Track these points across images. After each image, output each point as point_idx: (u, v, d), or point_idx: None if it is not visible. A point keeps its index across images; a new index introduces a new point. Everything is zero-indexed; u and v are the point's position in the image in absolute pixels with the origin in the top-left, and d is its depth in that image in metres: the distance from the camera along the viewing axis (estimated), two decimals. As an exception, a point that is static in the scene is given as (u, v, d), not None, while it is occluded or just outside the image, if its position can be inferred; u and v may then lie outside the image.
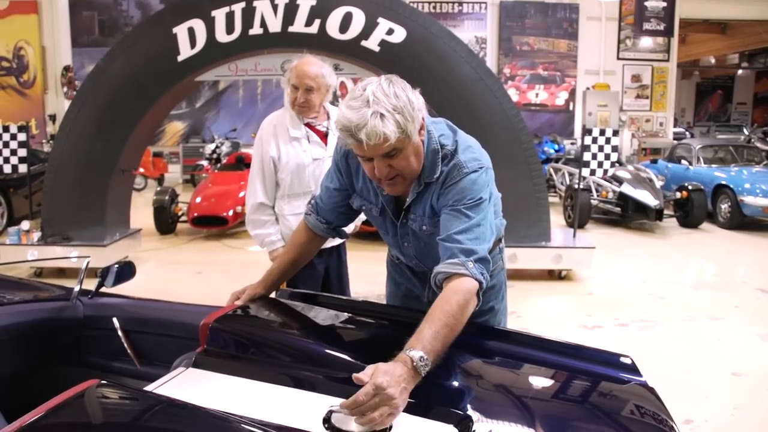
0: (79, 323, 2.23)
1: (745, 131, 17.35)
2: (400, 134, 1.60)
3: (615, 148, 6.48)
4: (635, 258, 7.32)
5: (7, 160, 6.56)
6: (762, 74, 21.89)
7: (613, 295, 5.73)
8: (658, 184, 8.94)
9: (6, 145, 6.51)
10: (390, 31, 5.59)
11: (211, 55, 5.80)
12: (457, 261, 1.63)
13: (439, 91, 5.37)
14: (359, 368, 1.57)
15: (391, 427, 1.31)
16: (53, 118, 13.41)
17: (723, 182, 9.00)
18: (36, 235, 6.25)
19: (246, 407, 1.38)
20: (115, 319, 2.21)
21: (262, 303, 1.98)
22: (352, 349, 1.73)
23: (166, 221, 8.36)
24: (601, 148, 6.40)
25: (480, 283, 1.64)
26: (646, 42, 13.91)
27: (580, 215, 7.87)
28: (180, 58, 5.76)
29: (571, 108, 14.52)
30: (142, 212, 8.44)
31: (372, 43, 5.62)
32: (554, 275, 6.20)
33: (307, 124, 2.91)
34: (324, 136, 2.94)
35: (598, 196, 9.14)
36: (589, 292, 5.81)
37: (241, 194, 8.24)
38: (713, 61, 20.08)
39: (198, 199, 8.27)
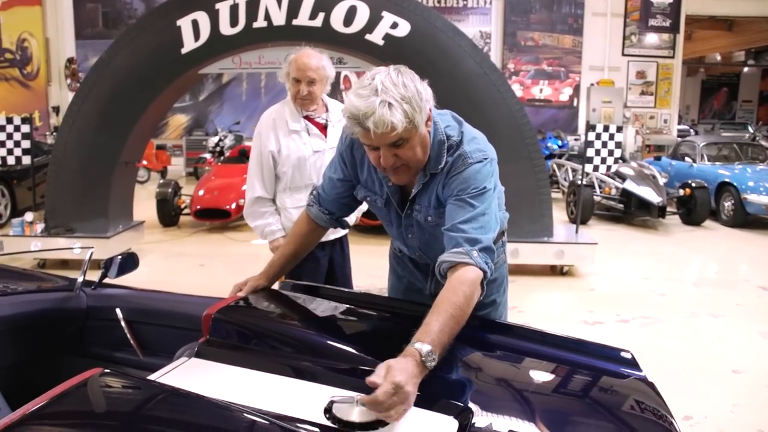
0: (83, 314, 2.25)
1: (750, 129, 17.30)
2: (407, 124, 1.61)
3: (618, 145, 6.47)
4: (637, 255, 7.31)
5: (11, 152, 6.58)
6: None
7: (614, 291, 5.73)
8: (662, 181, 8.93)
9: (10, 136, 6.53)
10: (394, 25, 5.59)
11: (214, 47, 5.80)
12: (462, 250, 1.64)
13: (443, 85, 5.36)
14: (360, 360, 1.58)
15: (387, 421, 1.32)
16: (57, 110, 13.43)
17: (726, 180, 8.98)
18: (39, 227, 6.28)
19: (248, 397, 1.38)
20: (118, 310, 2.22)
21: (264, 294, 1.99)
22: (353, 340, 1.74)
23: (169, 214, 8.38)
24: (604, 145, 6.39)
25: (484, 272, 1.65)
26: (651, 38, 13.86)
27: (582, 211, 7.87)
28: (184, 51, 5.77)
29: (575, 104, 14.50)
30: (144, 204, 8.46)
31: (376, 37, 5.61)
32: (556, 271, 6.20)
33: (307, 117, 2.91)
34: (323, 128, 2.94)
35: (601, 192, 9.14)
36: (590, 288, 5.81)
37: (244, 187, 8.25)
38: (719, 58, 20.00)
39: (201, 192, 8.28)
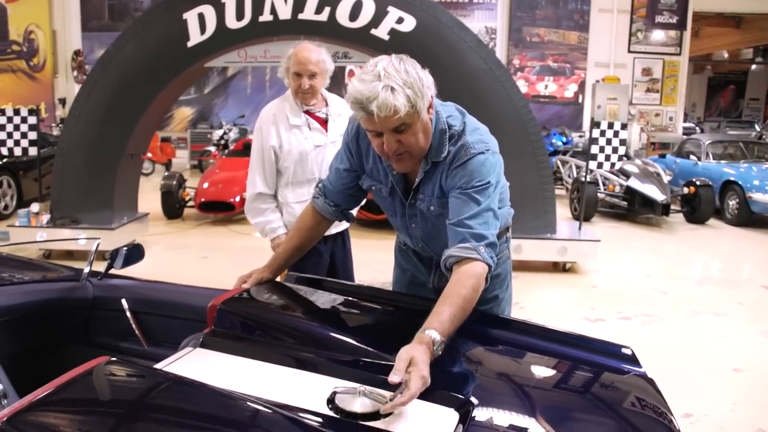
0: (89, 304, 2.27)
1: (757, 127, 17.24)
2: (409, 108, 1.64)
3: (623, 142, 6.46)
4: (640, 252, 7.32)
5: (17, 143, 6.63)
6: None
7: (617, 288, 5.74)
8: (666, 178, 8.92)
9: (17, 128, 6.57)
10: (400, 20, 5.59)
11: (220, 41, 5.81)
12: (469, 245, 1.69)
13: (448, 80, 5.36)
14: (363, 352, 1.60)
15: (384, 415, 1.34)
16: (63, 101, 13.47)
17: (731, 178, 8.96)
18: (45, 218, 6.32)
19: (251, 387, 1.40)
20: (123, 301, 2.25)
21: (268, 286, 2.01)
22: (356, 333, 1.76)
23: (173, 206, 8.42)
24: (609, 142, 6.39)
25: (489, 266, 1.70)
26: (657, 35, 13.81)
27: (586, 208, 7.87)
28: (190, 44, 5.78)
29: (580, 100, 14.46)
30: (149, 197, 8.49)
31: (382, 32, 5.62)
32: (559, 267, 6.21)
33: (307, 112, 2.92)
34: (324, 123, 2.95)
35: (605, 189, 9.13)
36: (593, 285, 5.82)
37: (247, 179, 8.27)
38: (726, 55, 19.91)
39: (206, 185, 8.31)
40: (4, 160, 8.16)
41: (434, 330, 1.50)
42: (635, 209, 8.79)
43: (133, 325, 2.24)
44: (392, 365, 1.48)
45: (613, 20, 13.85)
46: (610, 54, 14.02)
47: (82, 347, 2.27)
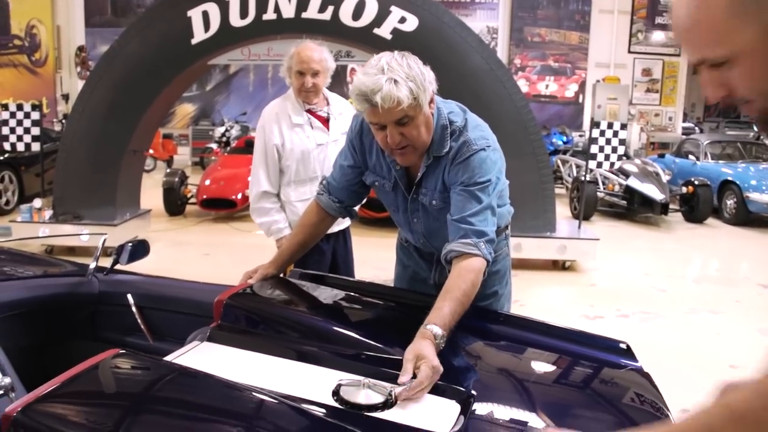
0: (95, 299, 2.30)
1: (755, 128, 17.28)
2: (412, 101, 1.70)
3: (622, 142, 6.51)
4: (639, 251, 7.37)
5: (20, 138, 6.66)
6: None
7: (615, 286, 5.79)
8: (665, 178, 8.96)
9: (20, 123, 6.61)
10: (402, 20, 5.63)
11: (224, 38, 5.86)
12: (471, 241, 1.75)
13: (450, 80, 5.40)
14: (365, 345, 1.64)
15: (396, 401, 1.38)
16: (66, 97, 13.50)
17: (729, 178, 9.02)
18: (47, 213, 6.35)
19: (258, 379, 1.44)
20: (129, 296, 2.28)
21: (274, 282, 2.05)
22: (358, 327, 1.80)
23: (175, 203, 8.46)
24: (608, 141, 6.43)
25: (488, 261, 1.77)
26: (658, 36, 13.85)
27: (585, 207, 7.91)
28: (194, 41, 5.83)
29: (580, 100, 14.50)
30: (150, 193, 8.53)
31: (384, 31, 5.66)
32: (558, 266, 6.26)
33: (309, 110, 2.95)
34: (325, 121, 2.98)
35: (604, 188, 9.18)
36: (592, 283, 5.87)
37: (250, 178, 8.31)
38: (726, 56, 19.97)
39: (207, 182, 8.36)
40: (6, 155, 8.19)
41: (436, 325, 1.56)
42: (634, 208, 8.84)
43: (139, 320, 2.26)
44: (394, 359, 1.54)
45: (613, 21, 13.89)
46: (611, 54, 14.06)
47: (87, 342, 2.29)
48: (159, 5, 6.27)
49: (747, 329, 4.69)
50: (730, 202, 8.97)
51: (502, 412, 1.44)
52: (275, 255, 2.13)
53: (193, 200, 8.56)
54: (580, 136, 12.58)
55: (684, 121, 15.63)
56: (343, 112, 3.00)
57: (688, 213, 9.02)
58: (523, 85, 13.82)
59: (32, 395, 1.24)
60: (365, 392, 1.38)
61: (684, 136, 12.29)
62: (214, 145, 12.50)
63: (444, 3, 13.19)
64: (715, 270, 7.00)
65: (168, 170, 9.23)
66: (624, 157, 8.44)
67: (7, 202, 8.41)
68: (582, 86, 14.46)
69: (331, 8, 5.65)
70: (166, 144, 13.52)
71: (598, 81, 13.87)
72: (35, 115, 6.65)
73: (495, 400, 1.47)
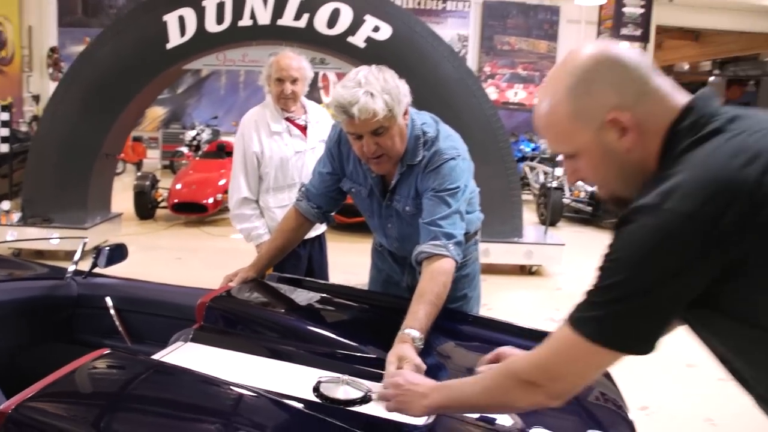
0: (73, 301, 2.33)
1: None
2: (387, 113, 1.81)
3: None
4: (603, 257, 7.54)
5: (-11, 139, 6.59)
6: (732, 82, 22.37)
7: (580, 290, 5.74)
8: (629, 186, 9.17)
9: (-11, 124, 6.54)
10: (376, 29, 5.74)
11: (200, 44, 5.88)
12: (440, 243, 1.86)
13: (421, 89, 5.41)
14: (341, 345, 1.74)
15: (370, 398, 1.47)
16: (37, 98, 13.28)
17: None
18: (16, 216, 6.28)
19: (242, 377, 1.52)
20: (108, 299, 2.33)
21: (253, 285, 2.13)
22: (335, 327, 1.89)
23: (146, 206, 8.42)
24: (575, 150, 6.59)
25: (457, 262, 1.88)
26: (623, 46, 14.16)
27: (552, 213, 8.10)
28: (169, 46, 5.84)
29: (548, 108, 14.74)
30: (119, 197, 8.45)
31: (358, 40, 5.76)
32: (525, 270, 6.41)
33: (287, 119, 3.03)
34: (303, 129, 3.06)
35: (570, 195, 9.38)
36: (557, 287, 6.03)
37: (222, 182, 8.34)
38: (687, 67, 20.50)
39: (179, 186, 8.33)
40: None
41: (413, 329, 1.67)
42: (600, 214, 9.03)
43: (117, 323, 2.31)
44: (368, 357, 1.64)
45: (581, 31, 14.17)
46: (578, 63, 14.33)
47: (65, 344, 2.32)
48: (135, 9, 6.28)
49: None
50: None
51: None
52: (255, 259, 2.21)
53: (164, 204, 8.53)
54: (548, 143, 12.79)
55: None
56: (320, 120, 3.09)
57: (651, 220, 9.24)
58: (493, 93, 14.02)
59: (26, 393, 1.29)
60: (344, 388, 1.48)
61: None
62: (185, 149, 12.44)
63: (416, 11, 13.37)
64: (675, 275, 7.21)
65: (139, 174, 9.19)
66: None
67: (-27, 205, 8.27)
68: (550, 94, 14.70)
69: (306, 16, 5.73)
70: (135, 147, 13.40)
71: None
72: (5, 116, 6.60)
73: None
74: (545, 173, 10.27)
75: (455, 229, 1.90)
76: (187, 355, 1.69)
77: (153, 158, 14.20)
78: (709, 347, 1.14)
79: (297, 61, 2.93)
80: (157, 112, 14.95)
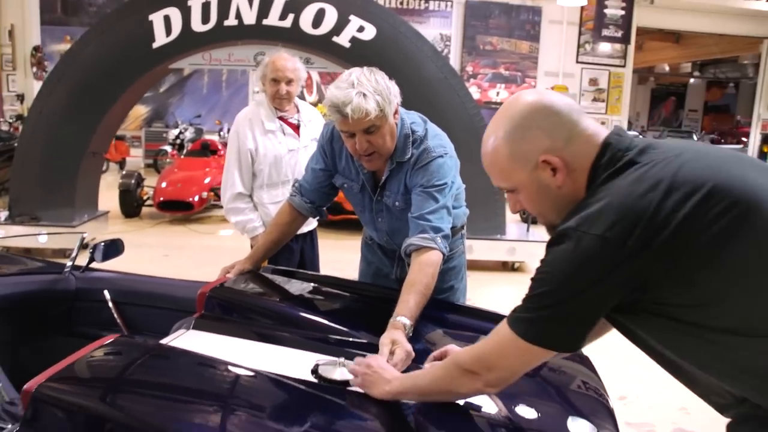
0: (71, 295, 2.40)
1: (695, 137, 18.08)
2: (378, 112, 1.91)
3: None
4: (584, 253, 7.70)
5: (-26, 139, 6.59)
6: (712, 84, 22.77)
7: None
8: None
9: (-26, 123, 6.54)
10: (361, 29, 5.83)
11: (185, 43, 5.94)
12: (428, 236, 1.96)
13: (405, 88, 5.52)
14: (334, 330, 1.85)
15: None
16: (21, 97, 13.20)
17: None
18: (3, 215, 6.30)
19: (243, 361, 1.60)
20: (106, 292, 2.40)
21: (250, 276, 2.23)
22: (328, 315, 2.01)
23: (131, 205, 8.44)
24: (556, 148, 6.73)
25: (444, 255, 1.98)
26: (604, 47, 14.38)
27: (534, 211, 8.22)
28: (155, 45, 5.89)
29: (530, 108, 14.89)
30: (104, 195, 8.44)
31: (343, 40, 5.85)
32: (508, 267, 6.54)
33: (281, 118, 3.12)
34: (296, 128, 3.15)
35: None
36: (539, 284, 6.15)
37: (207, 180, 8.40)
38: (667, 68, 20.82)
39: (164, 184, 8.35)
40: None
41: (404, 317, 1.78)
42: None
43: (115, 315, 2.39)
44: (360, 342, 1.75)
45: (562, 32, 14.35)
46: (559, 64, 14.53)
47: (64, 337, 2.39)
48: (120, 9, 6.31)
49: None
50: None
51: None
52: (251, 252, 2.31)
53: (149, 202, 8.56)
54: (530, 142, 12.96)
55: (629, 129, 16.28)
56: (312, 120, 3.19)
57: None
58: (475, 92, 14.15)
59: (46, 374, 1.38)
60: (341, 370, 1.58)
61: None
62: (168, 148, 12.44)
63: (398, 10, 13.46)
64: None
65: (124, 172, 9.19)
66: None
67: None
68: (531, 94, 14.87)
69: (291, 16, 5.80)
70: (118, 146, 13.34)
71: (547, 89, 14.30)
72: (-10, 116, 6.59)
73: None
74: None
75: (443, 223, 2.01)
76: (190, 341, 1.78)
77: (136, 156, 14.16)
78: (645, 349, 1.32)
79: (292, 63, 3.02)
80: (139, 111, 14.90)
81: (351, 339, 1.81)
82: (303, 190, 2.32)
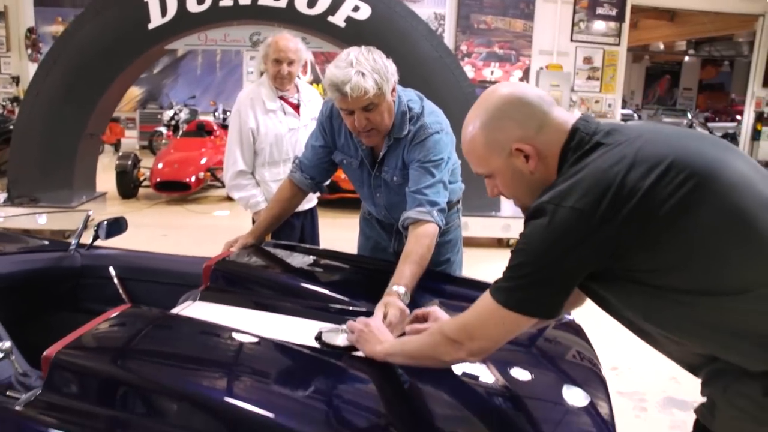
0: (77, 272, 2.46)
1: (689, 115, 18.11)
2: (376, 90, 1.97)
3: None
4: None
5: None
6: (707, 62, 22.76)
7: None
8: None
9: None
10: (356, 8, 5.85)
11: (181, 24, 5.95)
12: (425, 210, 2.04)
13: (401, 67, 5.59)
14: (334, 299, 1.93)
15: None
16: (17, 80, 13.15)
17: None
18: (2, 196, 6.35)
19: (249, 329, 1.68)
20: (111, 268, 2.47)
21: (253, 250, 2.30)
22: (328, 285, 2.09)
23: (128, 186, 8.48)
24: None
25: (440, 227, 2.05)
26: (598, 26, 14.36)
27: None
28: (150, 26, 5.89)
29: (524, 87, 14.89)
30: (100, 177, 8.45)
31: (338, 19, 5.87)
32: (503, 243, 6.62)
33: (281, 97, 3.17)
34: (296, 108, 3.20)
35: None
36: (534, 260, 6.23)
37: (203, 161, 8.44)
38: (662, 46, 20.79)
39: (161, 165, 8.38)
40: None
41: (399, 285, 1.85)
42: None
43: (120, 291, 2.46)
44: (359, 310, 1.83)
45: (557, 10, 14.30)
46: (554, 42, 14.50)
47: (71, 313, 2.44)
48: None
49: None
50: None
51: (457, 369, 1.65)
52: (253, 227, 2.38)
53: (146, 183, 8.60)
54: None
55: (623, 107, 16.29)
56: (312, 100, 3.24)
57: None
58: (470, 71, 14.11)
59: (63, 342, 1.45)
60: (343, 336, 1.66)
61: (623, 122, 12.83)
62: (163, 129, 12.43)
63: (393, -11, 13.35)
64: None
65: (120, 153, 9.22)
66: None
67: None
68: (526, 73, 14.89)
69: (287, -5, 5.82)
70: (113, 127, 13.30)
71: (541, 68, 14.31)
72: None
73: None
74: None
75: (439, 197, 2.08)
76: (197, 312, 1.85)
77: (131, 138, 14.15)
78: (617, 316, 1.38)
79: (294, 43, 3.07)
80: (133, 93, 14.83)
81: (351, 308, 1.89)
82: (303, 166, 2.38)
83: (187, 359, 1.50)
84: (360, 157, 2.26)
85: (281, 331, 1.71)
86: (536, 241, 1.26)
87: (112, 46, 6.00)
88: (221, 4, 5.82)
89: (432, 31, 6.35)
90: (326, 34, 5.98)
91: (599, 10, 12.86)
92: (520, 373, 1.62)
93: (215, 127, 9.89)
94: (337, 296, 1.94)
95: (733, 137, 13.58)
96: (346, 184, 6.80)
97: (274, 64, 3.04)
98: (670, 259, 1.20)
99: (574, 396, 1.53)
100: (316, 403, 1.41)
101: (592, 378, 1.70)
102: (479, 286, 2.17)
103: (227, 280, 2.04)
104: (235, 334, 1.57)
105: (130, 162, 8.44)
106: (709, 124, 16.56)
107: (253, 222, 3.01)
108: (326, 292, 1.98)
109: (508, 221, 6.39)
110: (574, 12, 14.29)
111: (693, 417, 1.38)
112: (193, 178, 8.21)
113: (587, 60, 14.73)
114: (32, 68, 9.37)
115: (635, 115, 17.69)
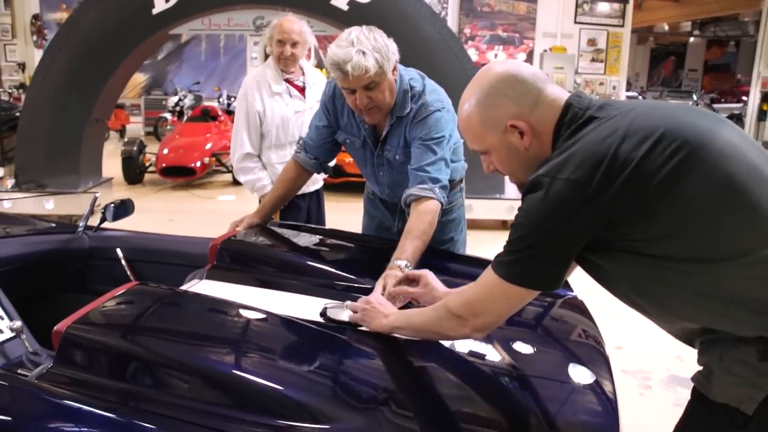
0: (85, 254, 2.49)
1: (694, 97, 18.02)
2: (378, 69, 1.99)
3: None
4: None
5: (-23, 108, 6.64)
6: (712, 43, 22.59)
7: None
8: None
9: (-24, 92, 6.58)
10: (358, -9, 5.84)
11: (185, 8, 5.95)
12: (427, 186, 2.07)
13: (404, 50, 5.56)
14: (339, 277, 1.96)
15: None
16: (23, 66, 13.17)
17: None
18: (10, 182, 6.39)
19: (256, 305, 1.72)
20: (118, 250, 2.50)
21: (258, 230, 2.33)
22: (333, 263, 2.11)
23: (134, 171, 8.53)
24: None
25: (442, 204, 2.08)
26: (602, 7, 14.27)
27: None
28: (155, 11, 5.90)
29: (529, 69, 14.83)
30: (106, 163, 8.47)
31: (341, 3, 5.86)
32: (507, 225, 6.59)
33: (287, 80, 3.19)
34: (302, 90, 3.22)
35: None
36: (538, 241, 6.24)
37: (208, 146, 8.47)
38: (667, 28, 20.64)
39: (166, 151, 8.43)
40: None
41: (400, 259, 1.89)
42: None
43: (128, 272, 2.49)
44: (363, 287, 1.86)
45: (560, -8, 14.21)
46: (558, 25, 14.42)
47: (78, 294, 2.45)
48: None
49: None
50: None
51: (464, 347, 1.65)
52: (259, 207, 2.41)
53: (152, 169, 8.64)
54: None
55: (628, 89, 16.22)
56: (317, 82, 3.26)
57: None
58: (473, 54, 14.07)
59: (73, 317, 1.49)
60: (347, 312, 1.69)
61: (626, 104, 12.77)
62: (168, 115, 12.46)
63: (396, -27, 13.26)
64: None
65: (126, 139, 9.26)
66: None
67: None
68: (530, 55, 14.81)
69: (289, -21, 5.80)
70: (118, 114, 13.35)
71: (545, 50, 14.25)
72: (-8, 84, 6.63)
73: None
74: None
75: (440, 174, 2.10)
76: (204, 289, 1.89)
77: (136, 124, 14.18)
78: (611, 287, 1.40)
79: (299, 26, 3.09)
80: (138, 79, 14.88)
81: (356, 285, 1.92)
82: (307, 146, 2.40)
83: (195, 333, 1.54)
84: (363, 136, 2.28)
85: (287, 309, 1.73)
86: (534, 214, 1.28)
87: (116, 31, 6.02)
88: (225, -13, 5.83)
89: (435, 14, 6.34)
90: (329, 17, 5.97)
91: (604, -8, 12.73)
92: (525, 352, 1.63)
93: (220, 113, 9.92)
94: (342, 273, 1.97)
95: (738, 118, 13.51)
96: (351, 168, 6.82)
97: (278, 45, 3.06)
98: (664, 228, 1.22)
99: (579, 374, 1.54)
100: (323, 377, 1.45)
101: (596, 356, 1.71)
102: (482, 264, 2.19)
103: (233, 258, 2.07)
104: (242, 310, 1.60)
105: (135, 148, 8.48)
106: (715, 105, 16.44)
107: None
108: (331, 269, 2.01)
109: (513, 203, 6.38)
110: (579, -6, 14.20)
111: (696, 393, 1.39)
112: (198, 164, 8.24)
113: (591, 42, 14.65)
114: (38, 55, 9.38)
115: (640, 97, 17.60)
